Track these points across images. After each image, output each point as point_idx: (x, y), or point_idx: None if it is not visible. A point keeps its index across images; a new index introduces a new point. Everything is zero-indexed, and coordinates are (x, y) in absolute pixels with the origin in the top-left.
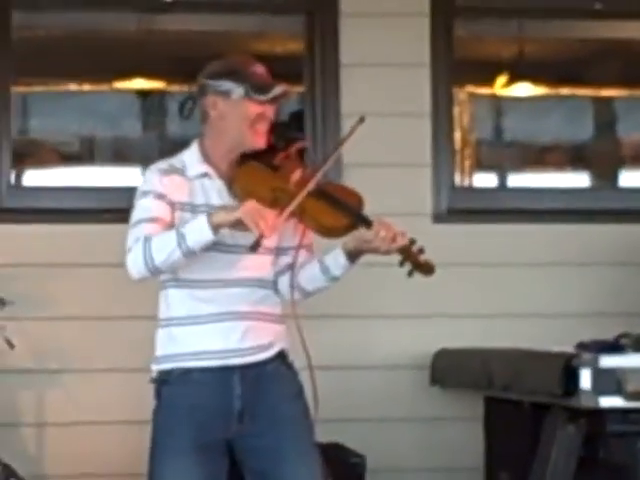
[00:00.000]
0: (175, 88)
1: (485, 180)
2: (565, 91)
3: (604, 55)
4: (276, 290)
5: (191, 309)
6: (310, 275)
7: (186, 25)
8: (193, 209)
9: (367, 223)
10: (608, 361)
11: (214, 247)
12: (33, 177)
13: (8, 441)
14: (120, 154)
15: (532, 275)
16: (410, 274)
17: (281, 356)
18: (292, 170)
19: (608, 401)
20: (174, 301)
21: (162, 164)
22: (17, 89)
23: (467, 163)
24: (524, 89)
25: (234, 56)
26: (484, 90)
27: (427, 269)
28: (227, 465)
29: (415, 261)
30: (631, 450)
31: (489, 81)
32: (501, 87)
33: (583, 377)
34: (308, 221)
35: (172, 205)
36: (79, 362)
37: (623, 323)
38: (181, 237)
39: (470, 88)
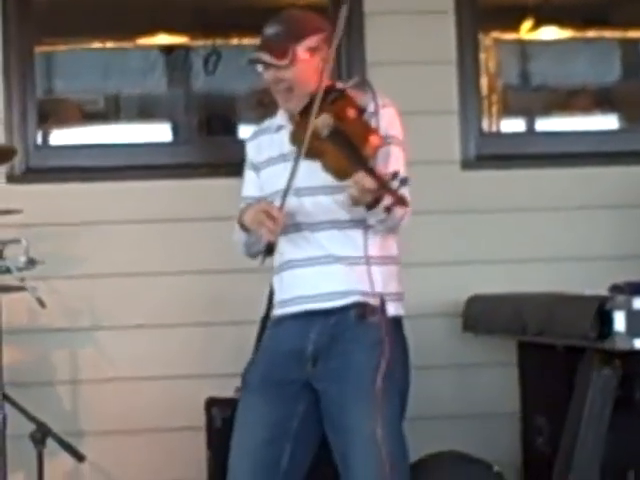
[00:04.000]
0: (199, 43)
1: (513, 125)
2: (591, 34)
3: None
4: (365, 228)
5: (277, 258)
6: None
7: None
8: (269, 162)
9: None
10: None
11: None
12: (59, 136)
13: (43, 399)
14: (145, 111)
15: (562, 219)
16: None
17: (361, 304)
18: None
19: None
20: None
21: (258, 126)
22: (40, 49)
23: (494, 109)
24: (550, 33)
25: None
26: (510, 35)
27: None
28: (300, 411)
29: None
30: None
31: (515, 26)
32: (527, 32)
33: (617, 319)
34: (322, 165)
35: (258, 168)
36: (111, 319)
37: None
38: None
39: (496, 34)
